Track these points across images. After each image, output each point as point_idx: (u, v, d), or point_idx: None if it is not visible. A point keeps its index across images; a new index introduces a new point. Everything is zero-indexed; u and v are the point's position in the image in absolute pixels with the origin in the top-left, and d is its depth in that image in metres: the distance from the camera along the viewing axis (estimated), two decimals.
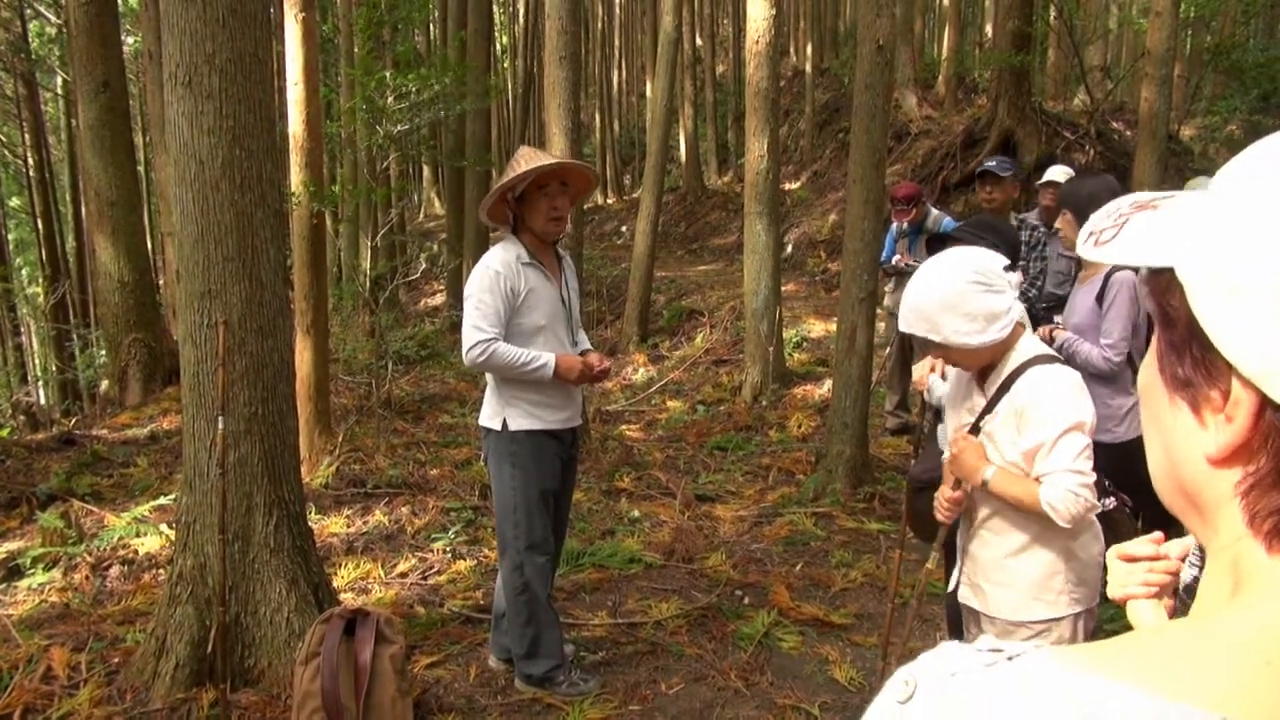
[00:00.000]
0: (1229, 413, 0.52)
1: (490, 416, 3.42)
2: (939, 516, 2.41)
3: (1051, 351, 2.24)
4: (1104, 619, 3.50)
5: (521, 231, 3.40)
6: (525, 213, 3.36)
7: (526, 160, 3.28)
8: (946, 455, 2.35)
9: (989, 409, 2.25)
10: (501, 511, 3.45)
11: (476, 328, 3.22)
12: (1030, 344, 2.23)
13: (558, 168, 3.32)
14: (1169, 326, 0.57)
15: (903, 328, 2.27)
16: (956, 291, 2.14)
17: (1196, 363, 0.55)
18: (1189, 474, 0.57)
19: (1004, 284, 2.17)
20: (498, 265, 3.28)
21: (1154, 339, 0.61)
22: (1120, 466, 2.38)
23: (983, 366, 2.27)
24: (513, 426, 3.36)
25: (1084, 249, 0.63)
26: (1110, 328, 3.31)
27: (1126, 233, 0.60)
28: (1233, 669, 0.46)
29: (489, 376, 3.44)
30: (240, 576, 3.43)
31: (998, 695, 0.49)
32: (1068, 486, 2.07)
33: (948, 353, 2.24)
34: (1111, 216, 0.63)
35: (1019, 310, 2.21)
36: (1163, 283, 0.57)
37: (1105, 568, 2.31)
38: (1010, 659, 0.51)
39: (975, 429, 2.29)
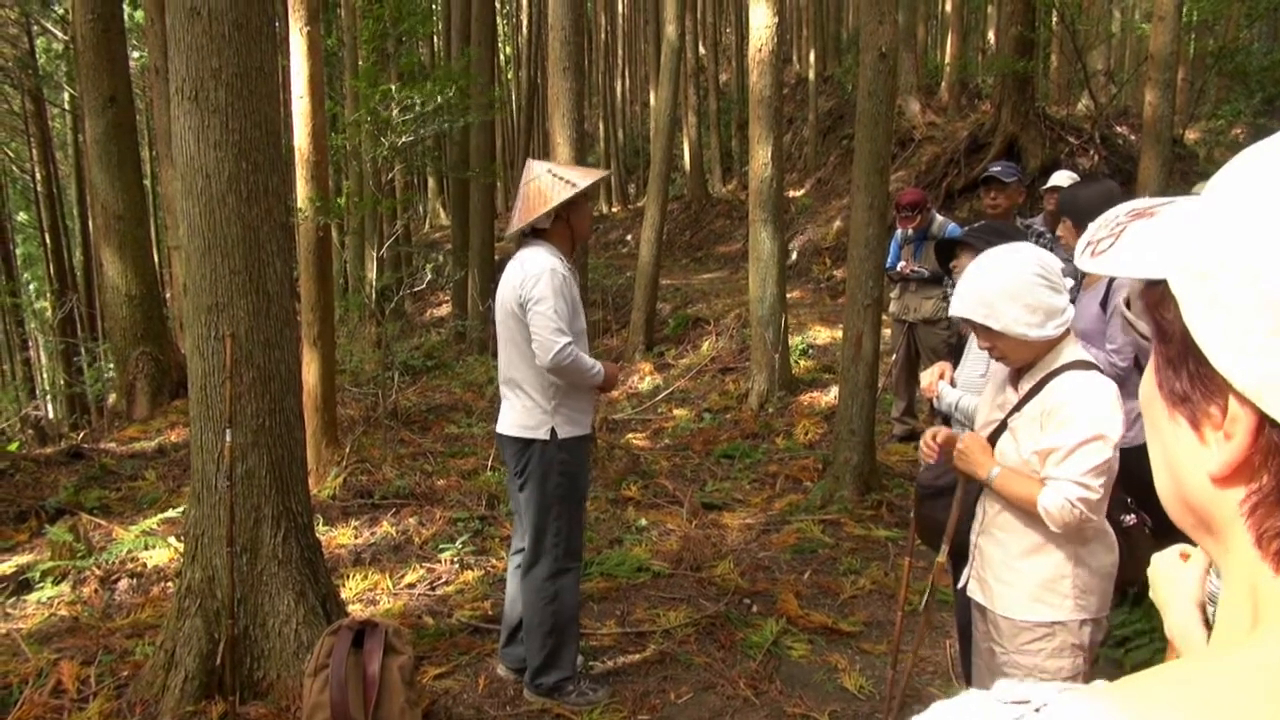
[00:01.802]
0: (1228, 429, 0.50)
1: (534, 427, 3.38)
2: (922, 454, 2.49)
3: (1090, 358, 2.22)
4: (1115, 625, 3.49)
5: (556, 239, 3.43)
6: (575, 221, 3.46)
7: (571, 173, 3.43)
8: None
9: (1018, 407, 2.25)
10: (539, 520, 3.42)
11: (560, 330, 3.22)
12: (1073, 350, 2.21)
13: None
14: (1165, 340, 0.55)
15: (957, 312, 2.23)
16: (1022, 281, 2.14)
17: (1193, 378, 0.53)
18: (1194, 492, 0.55)
19: (1062, 285, 2.18)
20: (562, 269, 3.32)
21: (1152, 352, 0.59)
22: (1128, 472, 2.37)
23: (1022, 365, 2.26)
24: (562, 434, 3.37)
25: (1081, 260, 0.61)
26: (1114, 333, 3.30)
27: (1122, 243, 0.58)
28: (1266, 706, 0.45)
29: (528, 384, 3.39)
30: (248, 588, 3.43)
31: None
32: (1066, 495, 2.07)
33: (998, 342, 2.21)
34: (1109, 226, 0.61)
35: (1072, 314, 2.21)
36: (1157, 295, 0.55)
37: (1114, 579, 2.30)
38: (1038, 710, 0.49)
39: (1003, 426, 2.29)
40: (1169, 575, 1.21)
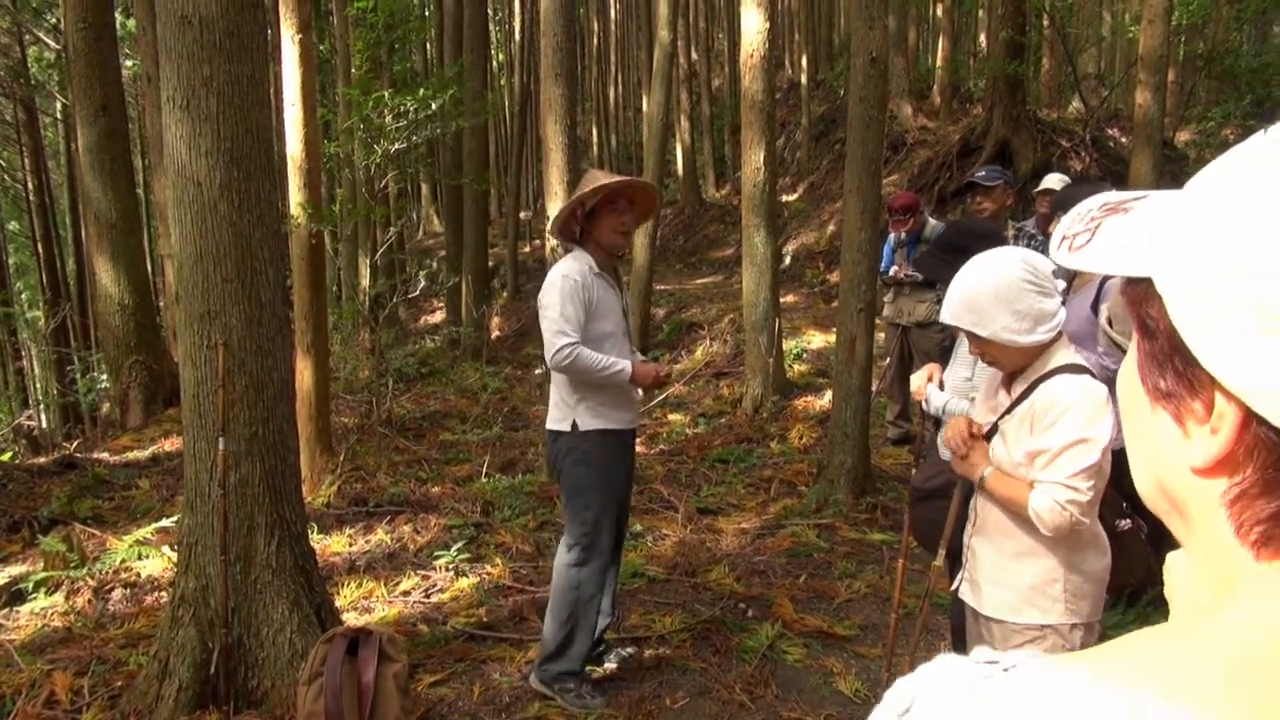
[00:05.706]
0: (1214, 425, 0.51)
1: (559, 420, 3.53)
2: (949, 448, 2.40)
3: (1082, 361, 2.21)
4: (1109, 626, 3.50)
5: (588, 246, 3.54)
6: (594, 227, 3.52)
7: (596, 179, 3.50)
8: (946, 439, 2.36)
9: (1009, 410, 2.24)
10: (569, 507, 3.56)
11: (560, 332, 3.35)
12: (1065, 354, 2.20)
13: (625, 185, 3.53)
14: (1149, 337, 0.56)
15: (946, 319, 2.22)
16: (1011, 286, 2.12)
17: (1179, 375, 0.53)
18: (1173, 483, 0.56)
19: (1052, 288, 2.16)
20: (574, 275, 3.42)
21: (1133, 347, 0.59)
22: (1120, 474, 2.38)
23: (1015, 369, 2.25)
24: (583, 426, 3.48)
25: (1058, 254, 0.61)
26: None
27: (1100, 238, 0.58)
28: (1227, 669, 0.47)
29: (555, 381, 3.55)
30: (242, 597, 3.42)
31: (995, 706, 0.49)
32: (1056, 498, 2.07)
33: (988, 349, 2.21)
34: (1083, 220, 0.61)
35: (1064, 317, 2.19)
36: (1140, 292, 0.55)
37: (1106, 584, 2.30)
38: (1006, 670, 0.51)
39: (994, 428, 2.30)
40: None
